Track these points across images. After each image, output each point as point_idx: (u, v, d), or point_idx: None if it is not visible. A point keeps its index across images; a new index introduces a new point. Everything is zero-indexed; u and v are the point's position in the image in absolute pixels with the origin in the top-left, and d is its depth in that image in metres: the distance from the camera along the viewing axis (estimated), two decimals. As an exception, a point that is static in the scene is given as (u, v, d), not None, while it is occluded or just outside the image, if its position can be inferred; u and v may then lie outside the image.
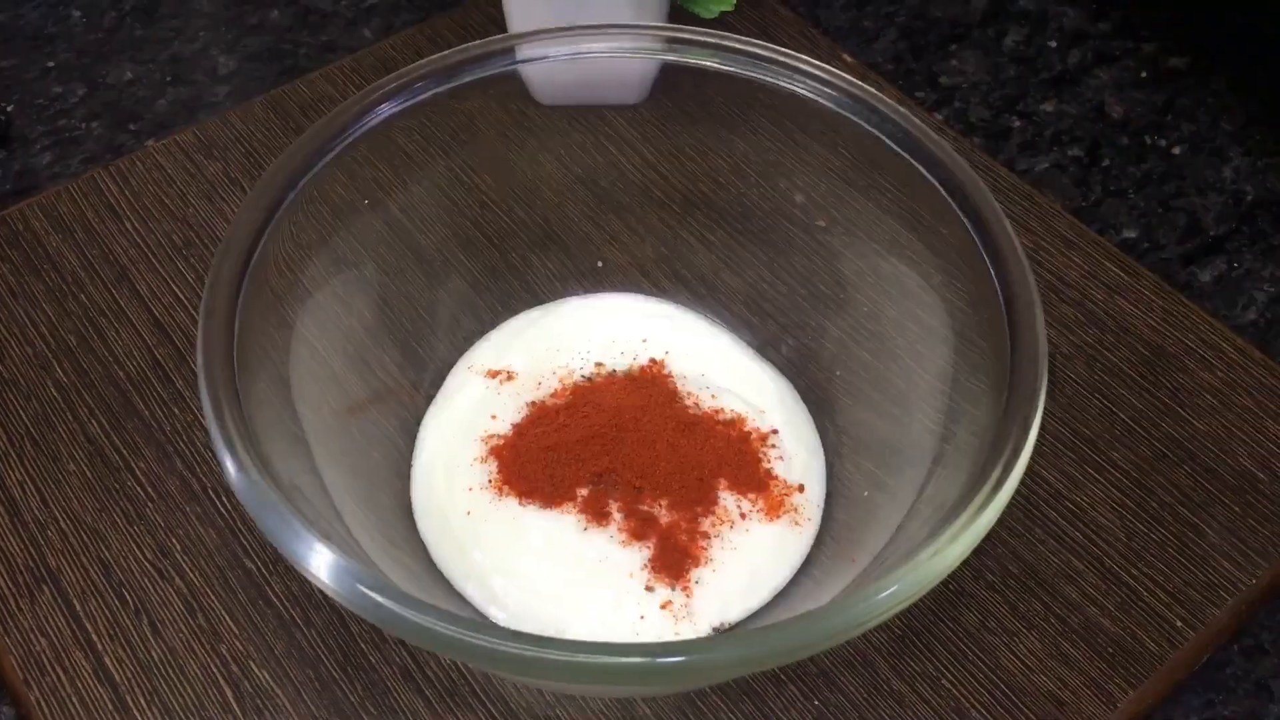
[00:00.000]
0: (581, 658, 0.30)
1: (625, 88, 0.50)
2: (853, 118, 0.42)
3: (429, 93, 0.43)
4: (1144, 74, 0.66)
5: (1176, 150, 0.62)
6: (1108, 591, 0.42)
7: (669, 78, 0.46)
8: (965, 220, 0.38)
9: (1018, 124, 0.63)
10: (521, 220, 0.50)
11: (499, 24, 0.63)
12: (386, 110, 0.42)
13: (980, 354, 0.38)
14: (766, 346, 0.48)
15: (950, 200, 0.39)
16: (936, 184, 0.40)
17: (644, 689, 0.39)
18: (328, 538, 0.31)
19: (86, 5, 0.69)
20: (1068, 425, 0.47)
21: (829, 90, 0.42)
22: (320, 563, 0.31)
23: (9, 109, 0.63)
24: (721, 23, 0.59)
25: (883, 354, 0.45)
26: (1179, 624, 0.42)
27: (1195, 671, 0.42)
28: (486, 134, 0.47)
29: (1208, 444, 0.46)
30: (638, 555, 0.40)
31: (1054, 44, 0.67)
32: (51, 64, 0.66)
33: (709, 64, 0.45)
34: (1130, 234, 0.58)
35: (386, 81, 0.43)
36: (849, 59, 0.61)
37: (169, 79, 0.65)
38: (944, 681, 0.40)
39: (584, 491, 0.42)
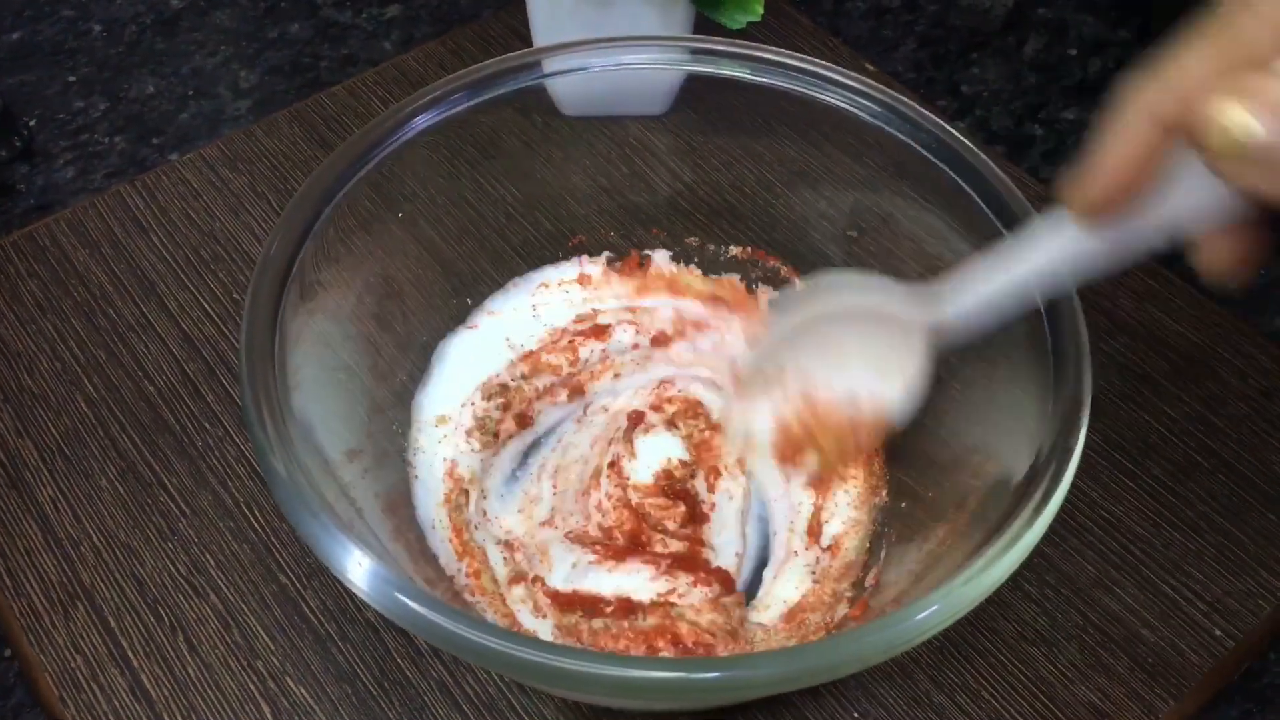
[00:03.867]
0: (619, 672, 0.29)
1: (650, 99, 0.50)
2: (885, 127, 0.42)
3: (459, 106, 0.43)
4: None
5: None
6: (1146, 601, 0.42)
7: (692, 88, 0.46)
8: (1004, 230, 0.38)
9: (1040, 132, 0.63)
10: (548, 231, 0.50)
11: (520, 36, 0.63)
12: (419, 124, 0.42)
13: (1018, 366, 0.38)
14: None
15: (987, 209, 0.39)
16: (972, 192, 0.40)
17: (681, 703, 0.39)
18: (367, 547, 0.31)
19: (107, 19, 0.69)
20: (1101, 434, 0.47)
21: (862, 100, 0.42)
22: (361, 573, 0.31)
23: (31, 124, 0.63)
24: (743, 33, 0.59)
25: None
26: (1218, 633, 0.42)
27: (1234, 681, 0.42)
28: (512, 146, 0.47)
29: (1242, 452, 0.46)
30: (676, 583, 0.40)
31: (1074, 52, 0.67)
32: (73, 78, 0.66)
33: (738, 74, 0.45)
34: (1156, 241, 0.58)
35: (419, 95, 0.43)
36: (871, 68, 0.61)
37: (190, 93, 0.65)
38: (984, 693, 0.40)
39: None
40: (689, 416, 0.45)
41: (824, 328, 0.37)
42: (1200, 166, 0.24)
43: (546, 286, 0.49)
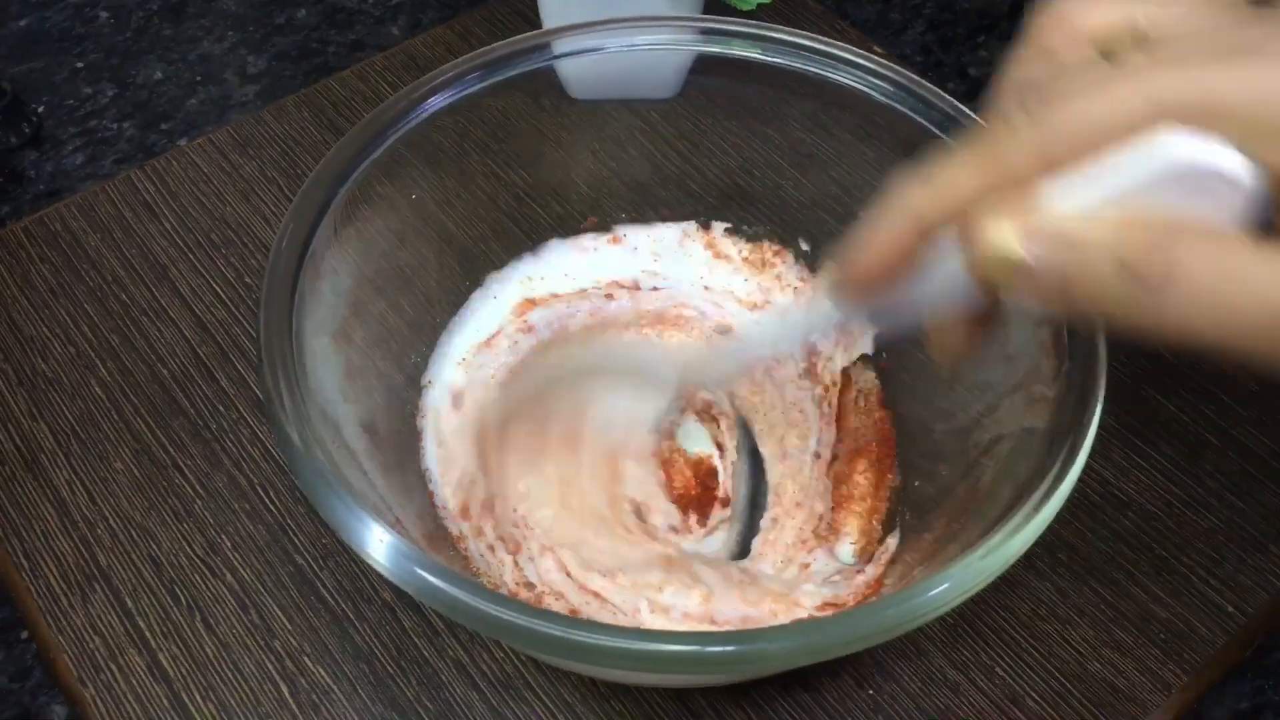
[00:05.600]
0: (633, 645, 0.30)
1: (660, 81, 0.50)
2: (898, 106, 0.42)
3: (471, 89, 0.43)
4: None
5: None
6: (1158, 578, 0.42)
7: (702, 71, 0.46)
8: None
9: (1048, 114, 0.63)
10: (558, 214, 0.50)
11: (528, 19, 0.63)
12: (431, 106, 0.42)
13: (1031, 345, 0.38)
14: (809, 338, 0.48)
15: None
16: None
17: (695, 678, 0.39)
18: (387, 524, 0.31)
19: (114, 6, 0.69)
20: (1113, 414, 0.46)
21: (874, 80, 0.42)
22: (381, 549, 0.31)
23: (39, 111, 0.63)
24: (751, 15, 0.59)
25: (925, 346, 0.45)
26: (1230, 609, 0.42)
27: (1246, 657, 0.42)
28: (522, 130, 0.47)
29: (1252, 430, 0.46)
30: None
31: (1082, 33, 0.67)
32: (81, 65, 0.66)
33: (750, 55, 0.44)
34: (1165, 222, 0.58)
35: (430, 78, 0.43)
36: (879, 51, 0.61)
37: (198, 78, 0.65)
38: (998, 670, 0.40)
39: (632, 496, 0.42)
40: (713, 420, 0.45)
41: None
42: (948, 266, 0.27)
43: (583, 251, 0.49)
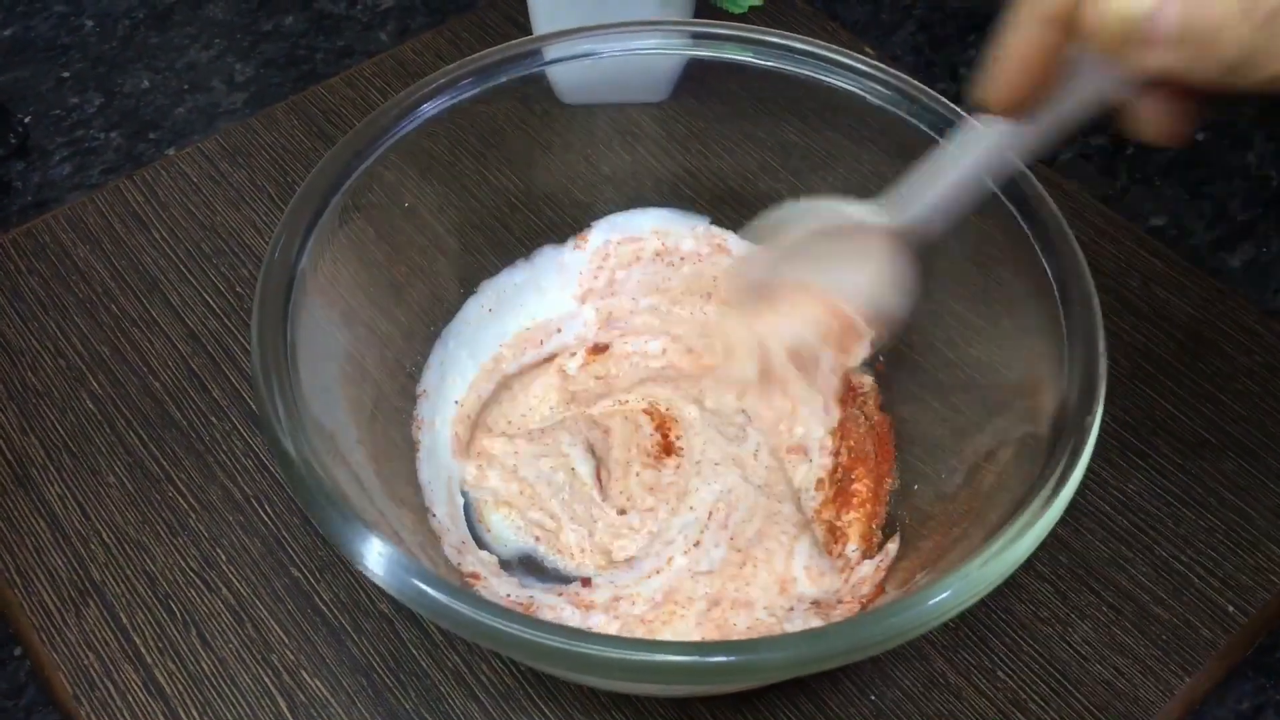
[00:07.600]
0: (632, 655, 0.29)
1: (651, 85, 0.49)
2: (892, 109, 0.42)
3: (462, 95, 0.43)
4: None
5: (1200, 137, 0.62)
6: (1158, 579, 0.42)
7: (693, 74, 0.46)
8: (1014, 210, 0.38)
9: (1040, 113, 0.63)
10: (552, 221, 0.49)
11: (517, 24, 0.63)
12: (423, 113, 0.42)
13: (1029, 348, 0.38)
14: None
15: (995, 188, 0.39)
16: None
17: (695, 686, 0.39)
18: (385, 537, 0.31)
19: (99, 14, 0.68)
20: (1111, 414, 0.46)
21: (868, 82, 0.42)
22: (380, 561, 0.30)
23: (26, 120, 0.63)
24: (741, 18, 0.58)
25: (923, 347, 0.45)
26: (1231, 609, 0.42)
27: (1247, 656, 0.42)
28: (513, 136, 0.47)
29: (1250, 428, 0.46)
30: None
31: (1072, 32, 0.67)
32: (66, 74, 0.65)
33: (743, 58, 0.44)
34: (1158, 221, 0.58)
35: (421, 85, 0.42)
36: (870, 52, 0.61)
37: (186, 87, 0.65)
38: (1000, 674, 0.40)
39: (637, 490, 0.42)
40: None
41: (808, 244, 0.40)
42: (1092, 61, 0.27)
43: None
